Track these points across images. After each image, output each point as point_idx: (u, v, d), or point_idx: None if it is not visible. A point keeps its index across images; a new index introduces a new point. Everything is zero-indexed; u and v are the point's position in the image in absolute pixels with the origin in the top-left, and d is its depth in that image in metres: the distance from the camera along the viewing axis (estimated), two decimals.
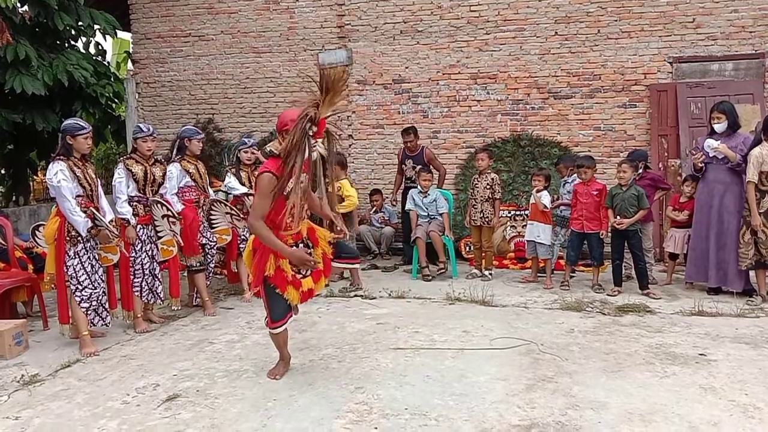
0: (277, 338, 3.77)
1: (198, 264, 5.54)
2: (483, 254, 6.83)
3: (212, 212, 5.77)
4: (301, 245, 3.63)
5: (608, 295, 5.81)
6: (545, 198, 6.30)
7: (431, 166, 7.26)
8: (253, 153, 6.06)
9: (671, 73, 7.66)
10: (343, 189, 6.37)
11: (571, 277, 6.34)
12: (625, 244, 5.93)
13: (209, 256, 5.68)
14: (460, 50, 8.25)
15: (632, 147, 7.47)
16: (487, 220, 6.69)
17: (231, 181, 6.02)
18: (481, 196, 6.68)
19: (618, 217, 5.82)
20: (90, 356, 4.38)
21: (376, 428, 3.10)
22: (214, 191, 7.76)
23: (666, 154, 7.63)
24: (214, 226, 5.76)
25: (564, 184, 6.81)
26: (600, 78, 7.88)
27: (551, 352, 4.20)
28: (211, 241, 5.68)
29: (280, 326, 3.66)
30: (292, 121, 3.37)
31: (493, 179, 6.71)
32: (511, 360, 4.06)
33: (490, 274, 6.75)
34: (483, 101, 8.25)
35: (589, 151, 7.70)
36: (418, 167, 7.25)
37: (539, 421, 3.14)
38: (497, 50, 8.14)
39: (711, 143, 5.62)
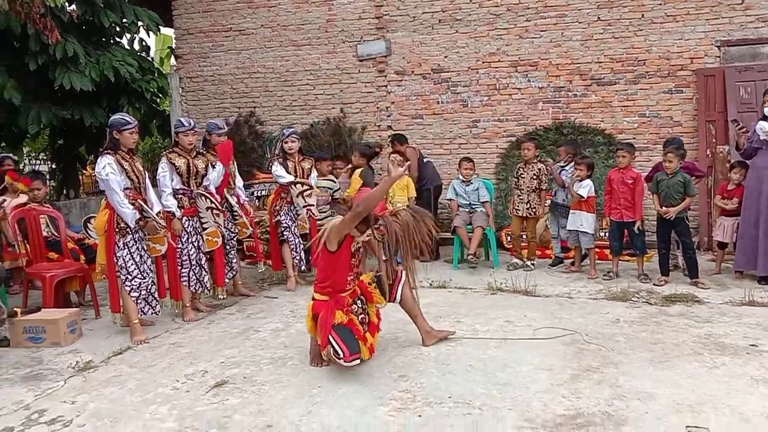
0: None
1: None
2: (527, 244, 6.76)
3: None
4: (358, 302, 3.86)
5: (655, 284, 5.70)
6: (582, 188, 6.18)
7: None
8: (293, 142, 6.12)
9: (719, 57, 7.43)
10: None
11: (607, 272, 6.19)
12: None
13: (228, 246, 5.68)
14: (500, 38, 8.15)
15: (678, 134, 7.31)
16: (533, 210, 6.61)
17: (278, 169, 6.09)
18: (528, 187, 6.60)
19: (663, 206, 5.70)
20: (140, 344, 4.51)
21: (419, 416, 3.12)
22: (257, 182, 7.93)
23: (714, 140, 7.41)
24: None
25: (561, 171, 6.66)
26: (645, 63, 7.69)
27: (596, 342, 4.15)
28: (231, 232, 5.75)
29: (358, 359, 3.57)
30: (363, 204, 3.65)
31: (540, 169, 6.62)
32: (554, 350, 4.03)
33: (533, 264, 6.69)
34: (524, 89, 8.15)
35: (634, 138, 7.54)
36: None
37: (585, 411, 3.11)
38: (538, 37, 8.02)
39: (764, 125, 5.45)
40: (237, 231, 5.85)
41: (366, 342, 3.73)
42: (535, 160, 6.68)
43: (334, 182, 6.97)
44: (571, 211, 6.35)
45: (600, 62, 7.84)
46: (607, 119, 7.87)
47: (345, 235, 3.69)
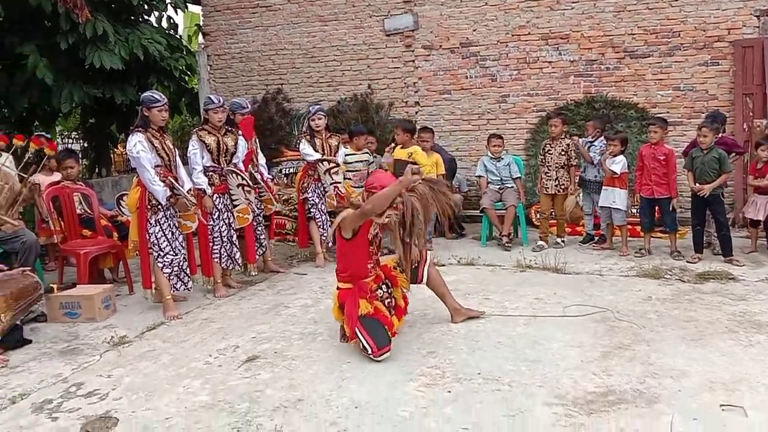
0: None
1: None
2: (555, 222, 6.68)
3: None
4: (384, 287, 3.82)
5: (688, 262, 5.60)
6: (615, 164, 6.05)
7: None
8: (320, 119, 6.10)
9: (758, 27, 7.19)
10: (416, 156, 6.30)
11: (639, 249, 6.08)
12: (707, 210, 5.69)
13: (255, 223, 5.66)
14: (530, 10, 8.00)
15: (714, 107, 7.12)
16: (562, 187, 6.51)
17: (305, 147, 6.09)
18: (556, 163, 6.48)
19: (698, 183, 5.57)
20: (173, 319, 4.59)
21: (449, 391, 3.13)
22: (285, 160, 7.95)
23: (751, 114, 7.20)
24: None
25: (589, 146, 6.52)
26: (679, 35, 7.49)
27: (627, 319, 4.10)
28: (258, 209, 5.78)
29: (387, 352, 3.57)
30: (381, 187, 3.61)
31: (568, 145, 6.50)
32: (585, 327, 4.00)
33: (563, 241, 6.61)
34: (554, 62, 8.00)
35: (668, 112, 7.38)
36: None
37: (616, 388, 3.08)
38: (569, 9, 7.85)
39: None
40: (263, 207, 5.88)
41: (392, 327, 3.73)
42: (563, 136, 6.55)
43: (370, 156, 6.90)
44: (603, 187, 6.23)
45: (633, 34, 7.65)
46: (640, 93, 7.70)
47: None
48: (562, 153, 6.49)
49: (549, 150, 6.59)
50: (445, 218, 3.78)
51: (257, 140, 6.11)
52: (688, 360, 3.40)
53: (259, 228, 5.78)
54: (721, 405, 2.87)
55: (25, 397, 3.31)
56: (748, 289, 4.74)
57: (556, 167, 6.49)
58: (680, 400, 2.94)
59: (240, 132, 5.52)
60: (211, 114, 5.12)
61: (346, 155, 6.46)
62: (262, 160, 6.12)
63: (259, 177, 5.83)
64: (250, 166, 5.71)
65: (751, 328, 3.86)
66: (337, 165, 6.14)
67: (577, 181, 6.61)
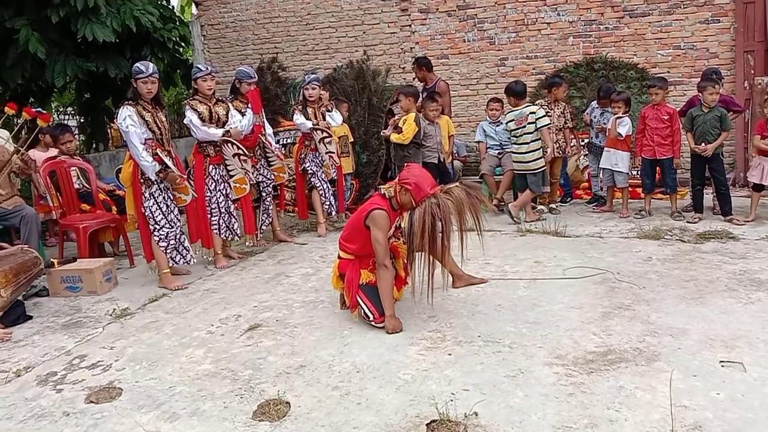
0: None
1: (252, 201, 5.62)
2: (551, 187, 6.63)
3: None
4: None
5: (688, 222, 5.59)
6: (622, 126, 5.99)
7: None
8: (313, 89, 6.02)
9: None
10: (406, 123, 6.26)
11: (639, 211, 6.05)
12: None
13: (264, 193, 5.74)
14: None
15: (715, 66, 7.01)
16: (561, 149, 6.47)
17: (299, 117, 6.04)
18: (556, 126, 6.43)
19: (703, 143, 5.52)
20: (177, 289, 4.60)
21: (450, 354, 3.15)
22: (282, 130, 7.86)
23: (752, 71, 7.12)
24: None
25: (599, 113, 6.43)
26: None
27: (628, 280, 4.11)
28: (267, 178, 5.77)
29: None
30: (419, 195, 3.45)
31: (564, 107, 6.46)
32: (585, 289, 4.01)
33: (557, 206, 6.56)
34: (553, 24, 7.89)
35: (668, 72, 7.30)
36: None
37: (616, 347, 3.10)
38: None
39: None
40: (273, 177, 5.86)
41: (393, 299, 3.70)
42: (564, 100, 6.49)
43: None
44: (605, 149, 6.18)
45: None
46: (640, 53, 7.61)
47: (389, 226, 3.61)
48: (561, 115, 6.43)
49: (548, 113, 6.50)
50: (477, 222, 3.70)
51: (263, 111, 6.03)
52: (688, 318, 3.41)
53: (268, 199, 5.78)
54: (721, 361, 2.89)
55: (29, 370, 3.33)
56: (748, 247, 4.74)
57: (555, 130, 6.43)
58: (680, 357, 2.95)
59: (249, 105, 5.46)
60: (199, 83, 5.05)
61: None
62: (269, 130, 6.06)
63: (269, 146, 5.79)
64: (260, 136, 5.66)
65: (751, 286, 3.86)
66: (330, 135, 6.06)
67: (583, 143, 6.55)
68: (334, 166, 6.19)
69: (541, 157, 6.00)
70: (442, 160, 6.51)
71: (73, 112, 13.64)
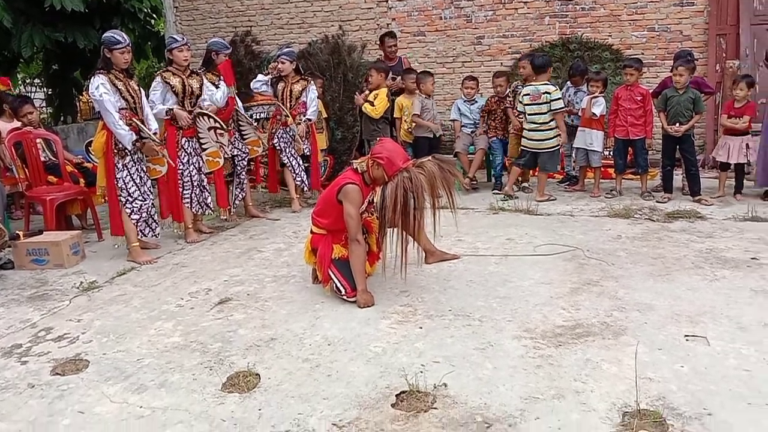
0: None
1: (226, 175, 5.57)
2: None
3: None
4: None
5: (658, 201, 5.67)
6: (597, 106, 6.00)
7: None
8: (282, 63, 5.92)
9: None
10: (378, 97, 6.27)
11: (610, 191, 6.12)
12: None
13: (239, 168, 5.70)
14: None
15: (688, 48, 7.08)
16: None
17: (258, 78, 6.01)
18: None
19: (676, 123, 5.57)
20: (146, 264, 4.54)
21: (420, 327, 3.16)
22: (255, 105, 7.75)
23: (724, 54, 7.20)
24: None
25: (573, 91, 6.42)
26: None
27: (597, 257, 4.16)
28: (242, 152, 5.70)
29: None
30: (392, 169, 3.43)
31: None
32: (555, 265, 4.05)
33: (529, 184, 6.57)
34: (530, 3, 7.87)
35: (642, 54, 7.34)
36: (398, 78, 6.90)
37: (584, 321, 3.14)
38: None
39: None
40: (248, 151, 5.78)
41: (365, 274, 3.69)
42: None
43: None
44: (579, 128, 6.21)
45: None
46: (615, 34, 7.63)
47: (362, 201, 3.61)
48: None
49: (518, 92, 6.50)
50: (450, 197, 3.67)
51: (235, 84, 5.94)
52: (654, 294, 3.47)
53: (243, 174, 5.71)
54: (686, 336, 2.95)
55: None
56: (715, 227, 4.83)
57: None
58: (646, 331, 3.01)
59: (221, 77, 5.37)
60: (175, 53, 4.94)
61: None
62: (239, 104, 5.97)
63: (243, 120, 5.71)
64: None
65: (717, 264, 3.94)
66: (288, 115, 5.95)
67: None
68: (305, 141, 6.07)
69: (554, 137, 5.95)
70: (437, 135, 6.56)
71: (40, 83, 13.29)
